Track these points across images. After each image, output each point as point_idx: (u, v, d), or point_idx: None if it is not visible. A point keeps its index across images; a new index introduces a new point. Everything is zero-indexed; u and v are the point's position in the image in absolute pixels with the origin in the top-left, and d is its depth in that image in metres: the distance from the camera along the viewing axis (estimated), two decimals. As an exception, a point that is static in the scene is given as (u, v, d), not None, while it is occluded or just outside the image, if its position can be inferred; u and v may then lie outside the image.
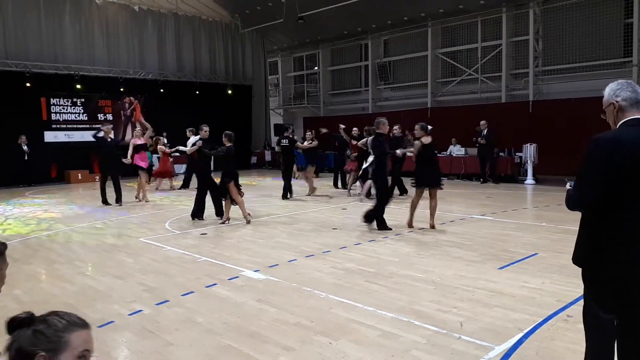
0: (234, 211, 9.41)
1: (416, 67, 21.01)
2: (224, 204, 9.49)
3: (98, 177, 12.50)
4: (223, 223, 9.32)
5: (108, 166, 12.16)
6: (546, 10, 16.88)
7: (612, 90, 2.60)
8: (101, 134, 12.18)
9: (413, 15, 19.62)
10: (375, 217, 8.35)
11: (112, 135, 12.51)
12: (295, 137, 13.25)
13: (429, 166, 8.26)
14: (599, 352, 2.66)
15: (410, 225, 8.41)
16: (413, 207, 8.41)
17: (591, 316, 2.67)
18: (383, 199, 8.36)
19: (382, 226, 8.32)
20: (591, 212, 2.59)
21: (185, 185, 15.15)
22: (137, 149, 12.70)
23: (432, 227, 8.27)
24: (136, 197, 12.86)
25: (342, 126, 13.28)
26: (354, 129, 13.15)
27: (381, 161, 8.27)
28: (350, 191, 12.83)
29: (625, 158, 2.43)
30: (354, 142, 12.62)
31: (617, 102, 2.57)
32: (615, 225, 2.50)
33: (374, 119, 20.69)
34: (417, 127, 8.37)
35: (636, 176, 2.44)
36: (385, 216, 8.43)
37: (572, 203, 2.62)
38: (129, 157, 12.55)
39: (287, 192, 12.57)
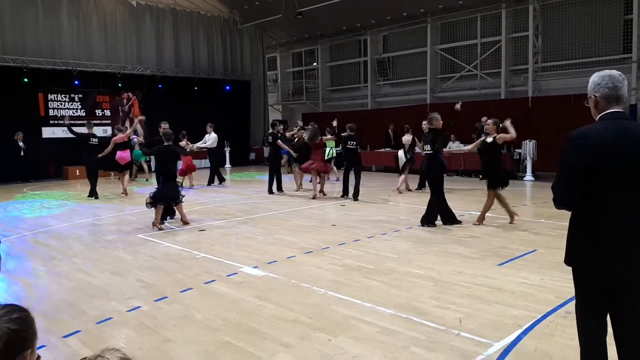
0: (233, 209, 9.39)
1: (415, 63, 20.96)
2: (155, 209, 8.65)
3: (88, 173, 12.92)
4: (161, 229, 8.56)
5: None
6: (546, 7, 16.83)
7: (593, 84, 2.60)
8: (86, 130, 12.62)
9: (412, 11, 19.56)
10: (435, 216, 8.29)
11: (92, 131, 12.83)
12: (279, 134, 13.26)
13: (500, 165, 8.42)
14: (590, 353, 2.65)
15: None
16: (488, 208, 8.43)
17: (580, 314, 2.67)
18: (439, 194, 8.28)
19: (450, 218, 8.34)
20: (573, 209, 2.59)
21: (212, 180, 15.21)
22: (120, 146, 12.96)
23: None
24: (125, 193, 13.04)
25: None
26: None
27: (437, 156, 8.27)
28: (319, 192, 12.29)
29: (595, 151, 2.43)
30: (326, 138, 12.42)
31: (595, 97, 2.58)
32: (598, 220, 2.49)
33: (373, 115, 20.77)
34: (490, 121, 8.40)
35: (609, 169, 2.42)
36: (387, 214, 8.45)
37: (555, 202, 2.63)
38: (106, 151, 12.72)
39: (279, 184, 12.83)
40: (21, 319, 1.46)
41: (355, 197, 11.37)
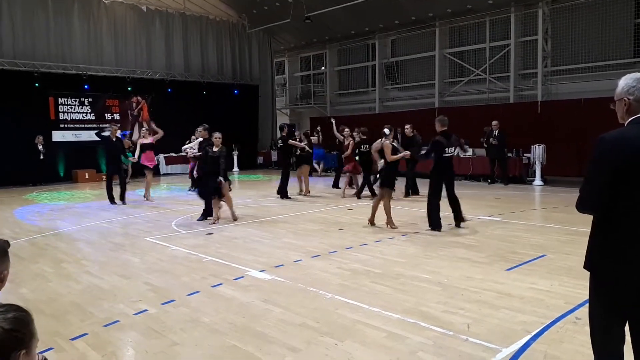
0: (240, 213, 9.40)
1: (424, 67, 20.93)
2: (212, 204, 9.49)
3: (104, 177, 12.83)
4: (214, 223, 9.27)
5: (109, 165, 12.52)
6: (555, 10, 16.75)
7: (627, 87, 2.50)
8: (106, 134, 12.38)
9: (420, 15, 19.55)
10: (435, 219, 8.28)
11: (117, 135, 12.68)
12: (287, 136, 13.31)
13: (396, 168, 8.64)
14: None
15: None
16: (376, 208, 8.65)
17: (597, 322, 2.61)
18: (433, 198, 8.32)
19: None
20: (600, 214, 2.52)
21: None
22: (143, 148, 12.82)
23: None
24: (145, 197, 12.92)
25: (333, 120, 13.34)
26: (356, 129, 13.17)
27: (437, 162, 8.26)
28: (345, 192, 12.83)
29: (631, 156, 2.36)
30: (346, 142, 12.56)
31: (628, 100, 2.48)
32: (626, 226, 2.43)
33: (380, 119, 20.82)
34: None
35: None
36: (395, 218, 8.51)
37: (579, 205, 2.55)
38: (136, 156, 12.73)
39: (283, 190, 12.75)
40: (16, 318, 1.45)
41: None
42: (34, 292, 5.48)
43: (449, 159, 8.35)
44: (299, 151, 13.55)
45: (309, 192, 13.31)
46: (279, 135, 13.60)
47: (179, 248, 7.41)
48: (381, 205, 8.54)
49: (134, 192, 14.02)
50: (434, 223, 8.22)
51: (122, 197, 12.25)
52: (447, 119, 8.43)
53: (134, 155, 12.97)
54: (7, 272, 2.02)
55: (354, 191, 12.81)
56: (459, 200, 8.44)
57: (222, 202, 9.47)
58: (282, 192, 12.67)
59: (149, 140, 12.92)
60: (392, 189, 8.52)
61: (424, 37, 20.64)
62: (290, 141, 12.97)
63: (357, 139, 12.46)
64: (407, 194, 12.58)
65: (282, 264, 6.33)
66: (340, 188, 13.56)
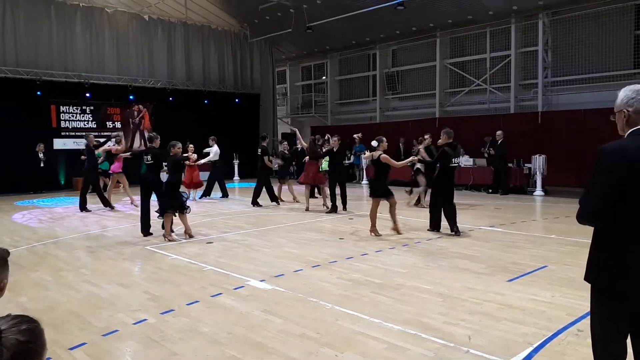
0: (241, 222, 9.37)
1: (424, 77, 21.00)
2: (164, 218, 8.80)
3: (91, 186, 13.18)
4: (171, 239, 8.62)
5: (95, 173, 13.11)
6: (555, 21, 16.84)
7: (627, 98, 2.50)
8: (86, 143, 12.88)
9: (421, 26, 19.64)
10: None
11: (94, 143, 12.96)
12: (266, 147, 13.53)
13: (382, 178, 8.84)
14: None
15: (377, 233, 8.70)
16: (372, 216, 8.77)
17: (599, 335, 2.58)
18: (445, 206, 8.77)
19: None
20: (600, 225, 2.52)
21: (207, 193, 15.02)
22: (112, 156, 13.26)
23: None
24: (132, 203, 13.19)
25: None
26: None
27: (444, 170, 8.70)
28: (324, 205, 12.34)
29: (631, 167, 2.36)
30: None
31: (628, 111, 2.48)
32: (626, 238, 2.42)
33: (381, 128, 20.85)
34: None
35: None
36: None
37: (579, 217, 2.54)
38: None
39: (262, 195, 13.08)
40: (30, 330, 1.44)
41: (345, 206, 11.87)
42: (33, 300, 5.46)
43: (454, 170, 8.86)
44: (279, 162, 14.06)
45: (295, 199, 13.65)
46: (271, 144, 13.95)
47: (178, 257, 7.39)
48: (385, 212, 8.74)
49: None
50: (433, 224, 8.88)
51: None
52: (453, 132, 8.79)
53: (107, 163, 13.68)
54: (7, 280, 2.00)
55: (318, 202, 12.60)
56: (453, 212, 8.61)
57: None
58: (255, 200, 13.04)
59: (118, 147, 13.10)
60: (378, 197, 8.67)
61: (424, 47, 20.72)
62: (266, 161, 12.97)
63: (327, 146, 12.23)
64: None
65: (282, 274, 6.30)
66: (316, 197, 13.65)
